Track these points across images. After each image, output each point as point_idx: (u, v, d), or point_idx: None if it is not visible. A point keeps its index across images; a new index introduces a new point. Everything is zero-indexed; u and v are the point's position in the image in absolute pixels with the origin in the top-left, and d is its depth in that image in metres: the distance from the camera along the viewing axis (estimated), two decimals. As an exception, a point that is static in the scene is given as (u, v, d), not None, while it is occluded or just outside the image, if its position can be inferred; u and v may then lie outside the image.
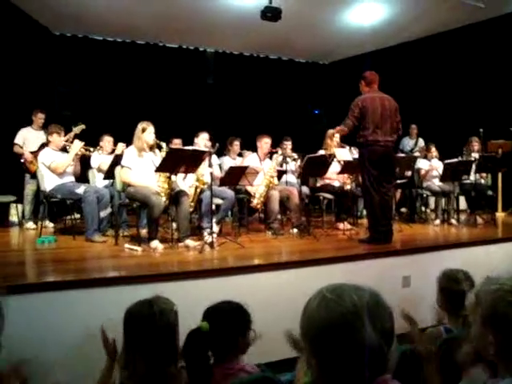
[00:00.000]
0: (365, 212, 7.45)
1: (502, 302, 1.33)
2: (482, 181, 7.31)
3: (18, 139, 6.57)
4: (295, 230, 5.83)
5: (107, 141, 6.45)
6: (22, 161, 6.46)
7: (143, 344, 1.77)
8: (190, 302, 2.97)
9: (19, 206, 6.59)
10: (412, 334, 2.14)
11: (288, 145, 6.79)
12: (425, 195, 7.41)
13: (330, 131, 6.59)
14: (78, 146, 5.61)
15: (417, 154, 7.97)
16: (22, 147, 6.53)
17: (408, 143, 8.81)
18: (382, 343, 1.03)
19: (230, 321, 1.94)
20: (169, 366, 1.79)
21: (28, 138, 6.58)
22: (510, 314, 1.31)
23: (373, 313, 1.04)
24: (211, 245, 4.64)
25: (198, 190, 5.53)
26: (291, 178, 6.62)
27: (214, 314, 1.96)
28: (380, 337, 1.03)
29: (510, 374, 1.32)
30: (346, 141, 6.67)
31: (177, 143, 7.09)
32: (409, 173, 7.13)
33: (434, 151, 7.36)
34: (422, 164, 7.31)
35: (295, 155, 6.43)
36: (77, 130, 6.03)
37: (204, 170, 5.46)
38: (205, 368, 1.82)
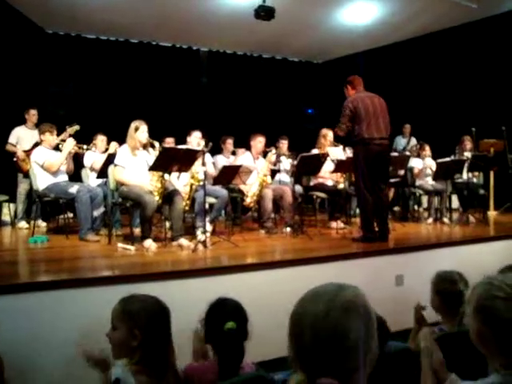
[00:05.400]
0: (358, 211, 7.53)
1: (488, 295, 1.38)
2: (475, 180, 7.35)
3: (12, 138, 6.53)
4: (288, 229, 5.84)
5: (100, 140, 6.43)
6: (15, 159, 6.43)
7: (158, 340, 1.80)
8: (183, 301, 2.97)
9: (11, 205, 6.55)
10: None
11: (284, 143, 6.82)
12: (418, 194, 7.43)
13: (324, 130, 6.61)
14: (70, 145, 5.59)
15: (408, 152, 8.01)
16: (15, 146, 6.50)
17: (401, 142, 8.85)
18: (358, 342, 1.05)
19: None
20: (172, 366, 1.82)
21: (22, 137, 6.54)
22: (494, 307, 1.35)
23: (354, 311, 1.06)
24: (204, 244, 4.63)
25: (194, 188, 5.51)
26: (284, 176, 6.63)
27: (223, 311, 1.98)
28: (358, 335, 1.04)
29: (496, 369, 1.35)
30: (339, 140, 6.70)
31: (169, 142, 7.08)
32: (402, 172, 7.15)
33: (427, 150, 7.39)
34: (415, 163, 7.33)
35: (288, 153, 6.46)
36: (71, 130, 6.00)
37: (198, 169, 5.45)
38: (236, 363, 1.89)
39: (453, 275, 2.45)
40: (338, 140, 6.66)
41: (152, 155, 5.07)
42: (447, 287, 2.41)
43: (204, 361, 2.09)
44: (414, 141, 8.64)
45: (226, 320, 1.89)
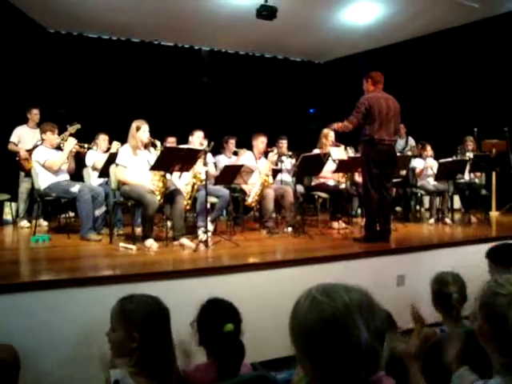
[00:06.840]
0: (359, 211, 7.52)
1: (489, 292, 1.38)
2: (477, 180, 7.34)
3: (14, 137, 6.53)
4: (290, 229, 5.83)
5: (102, 139, 6.43)
6: (17, 159, 6.43)
7: (157, 341, 1.77)
8: (185, 300, 2.97)
9: (13, 204, 6.56)
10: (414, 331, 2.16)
11: (284, 143, 6.81)
12: (419, 194, 7.42)
13: (326, 130, 6.60)
14: (72, 143, 5.59)
15: (409, 153, 7.99)
16: (16, 145, 6.50)
17: (399, 143, 8.82)
18: (374, 342, 1.03)
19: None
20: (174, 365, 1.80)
21: (23, 137, 6.55)
22: (495, 304, 1.35)
23: (364, 312, 1.04)
24: (206, 243, 4.64)
25: (195, 187, 5.52)
26: (286, 176, 6.63)
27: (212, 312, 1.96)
28: (373, 335, 1.03)
29: (497, 370, 1.34)
30: (341, 140, 6.69)
31: (171, 141, 7.08)
32: (403, 172, 7.15)
33: (429, 150, 7.38)
34: (416, 163, 7.33)
35: (290, 153, 6.46)
36: (72, 129, 6.01)
37: (200, 169, 5.45)
38: (237, 363, 1.87)
39: (445, 277, 2.48)
40: (339, 140, 6.66)
41: (153, 155, 5.08)
42: (437, 288, 2.45)
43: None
44: (411, 141, 8.61)
45: (223, 322, 1.88)
